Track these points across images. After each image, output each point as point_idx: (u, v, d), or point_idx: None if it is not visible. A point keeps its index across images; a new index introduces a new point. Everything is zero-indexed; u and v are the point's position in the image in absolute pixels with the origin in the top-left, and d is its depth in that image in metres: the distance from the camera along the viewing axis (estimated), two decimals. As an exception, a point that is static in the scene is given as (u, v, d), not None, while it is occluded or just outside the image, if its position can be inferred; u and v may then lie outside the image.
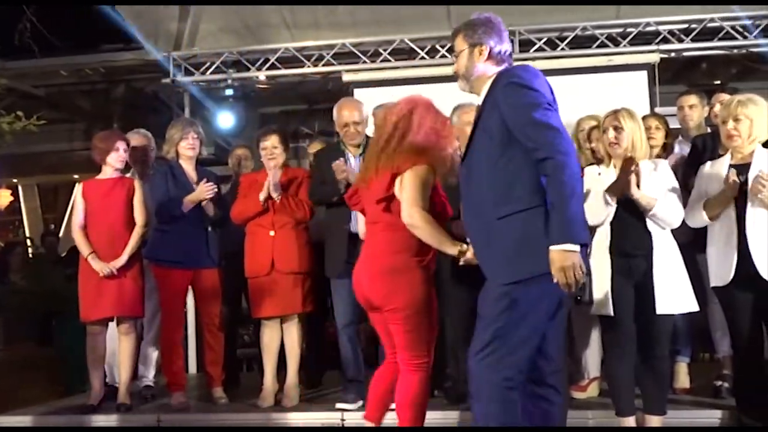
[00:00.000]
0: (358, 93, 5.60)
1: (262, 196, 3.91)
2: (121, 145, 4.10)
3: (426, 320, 2.88)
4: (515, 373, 2.36)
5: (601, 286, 3.21)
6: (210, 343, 4.23)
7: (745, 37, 5.51)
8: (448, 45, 5.70)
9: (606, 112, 3.32)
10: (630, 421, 3.27)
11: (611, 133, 3.23)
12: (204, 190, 4.05)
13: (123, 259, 3.98)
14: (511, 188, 2.37)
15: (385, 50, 5.85)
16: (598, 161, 3.51)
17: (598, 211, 3.22)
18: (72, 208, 4.34)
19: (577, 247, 2.26)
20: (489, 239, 2.43)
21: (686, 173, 3.67)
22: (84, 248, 4.02)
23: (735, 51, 5.69)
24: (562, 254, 2.25)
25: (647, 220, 3.20)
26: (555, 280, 2.27)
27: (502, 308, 2.35)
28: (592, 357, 3.93)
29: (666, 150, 3.94)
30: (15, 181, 11.08)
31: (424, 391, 2.92)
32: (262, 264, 3.93)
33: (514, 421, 2.37)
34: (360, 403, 3.78)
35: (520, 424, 2.39)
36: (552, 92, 2.47)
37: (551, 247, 2.27)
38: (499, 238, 2.38)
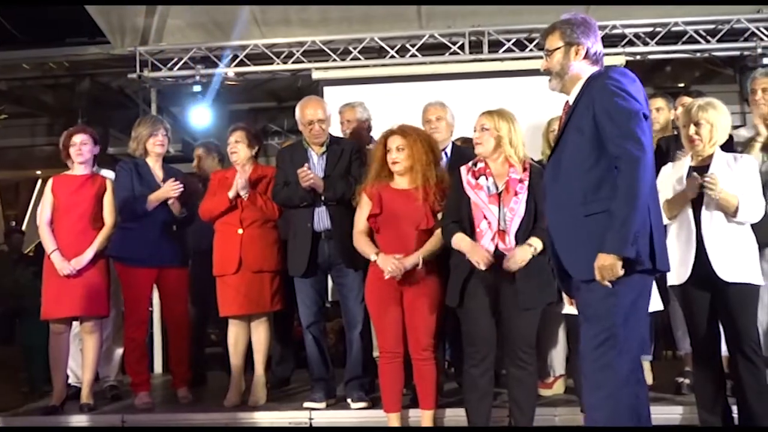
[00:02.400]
0: (328, 91, 5.58)
1: (231, 193, 3.88)
2: (77, 139, 4.03)
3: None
4: (635, 365, 2.44)
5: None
6: (175, 342, 4.19)
7: (707, 42, 5.63)
8: (420, 43, 5.75)
9: None
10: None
11: None
12: (169, 189, 4.00)
13: (86, 257, 3.91)
14: (600, 187, 2.42)
15: (355, 48, 5.85)
16: None
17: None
18: (35, 203, 4.25)
19: (620, 260, 2.34)
20: (575, 236, 2.48)
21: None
22: (49, 245, 3.95)
23: (698, 54, 5.82)
24: (608, 258, 2.34)
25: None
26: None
27: (610, 306, 2.40)
28: (558, 355, 3.99)
29: None
30: (-25, 176, 10.83)
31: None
32: (230, 262, 3.90)
33: (643, 412, 2.45)
34: (326, 402, 3.78)
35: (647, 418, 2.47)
36: (645, 98, 2.51)
37: (600, 253, 2.35)
38: (585, 235, 2.43)
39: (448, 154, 3.96)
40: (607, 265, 2.34)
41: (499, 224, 3.16)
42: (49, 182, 4.09)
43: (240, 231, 3.90)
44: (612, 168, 2.38)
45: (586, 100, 2.50)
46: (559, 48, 2.57)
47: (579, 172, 2.47)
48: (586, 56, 2.56)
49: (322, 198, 3.77)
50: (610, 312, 2.41)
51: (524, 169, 3.23)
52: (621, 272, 2.35)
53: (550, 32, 2.62)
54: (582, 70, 2.56)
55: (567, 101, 2.62)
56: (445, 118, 3.96)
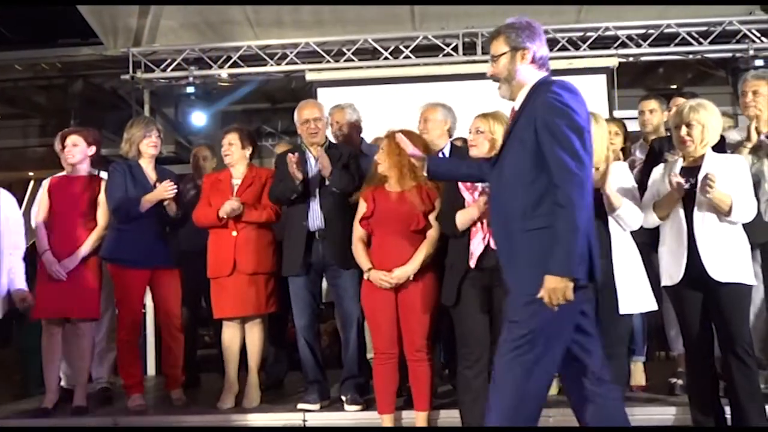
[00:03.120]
0: (322, 92, 5.59)
1: (221, 213, 3.87)
2: (69, 140, 4.03)
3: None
4: (543, 374, 2.43)
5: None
6: (169, 344, 4.17)
7: (699, 44, 5.66)
8: (413, 45, 5.76)
9: None
10: (588, 419, 3.32)
11: None
12: (164, 190, 3.99)
13: (77, 257, 3.90)
14: (540, 203, 2.39)
15: (348, 50, 5.85)
16: None
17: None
18: (28, 204, 4.23)
19: (571, 282, 2.32)
20: (515, 249, 2.46)
21: (644, 175, 3.75)
22: (42, 244, 3.93)
23: (690, 56, 5.85)
24: (558, 281, 2.31)
25: (608, 221, 3.25)
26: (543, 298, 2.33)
27: (530, 313, 2.39)
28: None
29: (624, 154, 4.02)
30: (-33, 178, 10.76)
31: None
32: (224, 264, 3.89)
33: (531, 420, 2.45)
34: (320, 404, 3.78)
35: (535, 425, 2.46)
36: (587, 111, 2.49)
37: (548, 276, 2.32)
38: (524, 250, 2.42)
39: (446, 155, 3.95)
40: (558, 288, 2.30)
41: (488, 225, 3.17)
42: (45, 183, 4.08)
43: (234, 233, 3.89)
44: (553, 184, 2.35)
45: (529, 111, 2.47)
46: (504, 53, 2.55)
47: (520, 185, 2.44)
48: (532, 61, 2.54)
49: (318, 193, 3.78)
50: (532, 317, 2.39)
51: None
52: (572, 296, 2.32)
53: (494, 37, 2.59)
54: (528, 74, 2.54)
55: (513, 107, 2.60)
56: (433, 119, 3.95)
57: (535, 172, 2.41)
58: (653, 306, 3.30)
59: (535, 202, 2.40)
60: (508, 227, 2.48)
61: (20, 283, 3.34)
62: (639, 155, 4.19)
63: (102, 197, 4.04)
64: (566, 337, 2.46)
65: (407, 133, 3.47)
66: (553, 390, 3.96)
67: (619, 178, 3.30)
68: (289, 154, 3.74)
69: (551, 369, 2.46)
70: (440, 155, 3.91)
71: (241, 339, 4.01)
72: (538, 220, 2.38)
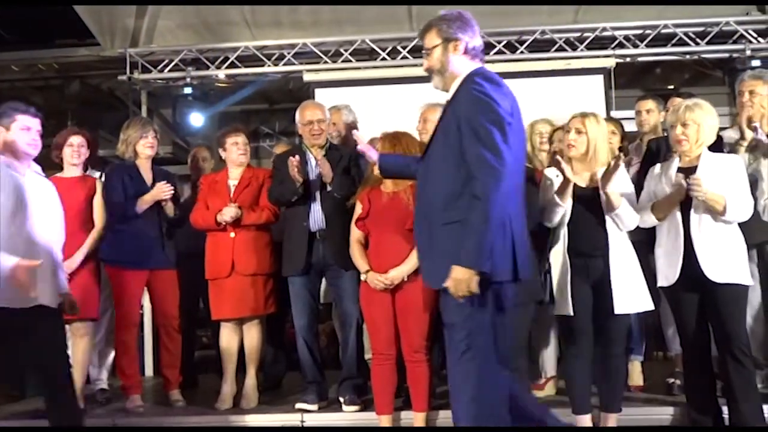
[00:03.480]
0: (319, 93, 5.58)
1: (220, 219, 3.87)
2: (74, 140, 4.03)
3: None
4: (498, 372, 2.42)
5: (560, 286, 3.26)
6: (167, 345, 4.17)
7: (696, 44, 5.67)
8: (411, 45, 5.76)
9: (574, 113, 3.36)
10: (586, 419, 3.33)
11: (572, 135, 3.29)
12: (161, 191, 3.98)
13: (76, 260, 3.89)
14: (460, 196, 2.38)
15: (346, 50, 5.85)
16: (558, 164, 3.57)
17: (553, 212, 3.27)
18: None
19: (477, 275, 2.30)
20: (432, 242, 2.46)
21: (641, 175, 3.76)
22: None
23: (687, 57, 5.86)
24: (463, 272, 2.30)
25: (605, 220, 3.26)
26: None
27: (466, 315, 2.39)
28: (550, 356, 3.99)
29: (622, 153, 4.02)
30: (-37, 178, 10.71)
31: None
32: (222, 265, 3.88)
33: (502, 420, 2.42)
34: (318, 404, 3.77)
35: (509, 424, 2.43)
36: (513, 99, 2.48)
37: (455, 266, 2.31)
38: (441, 243, 2.41)
39: None
40: (463, 279, 2.30)
41: None
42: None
43: (232, 234, 3.89)
44: (472, 176, 2.34)
45: (454, 104, 2.48)
46: (437, 45, 2.53)
47: (442, 178, 2.43)
48: (465, 51, 2.52)
49: (319, 194, 3.78)
50: (466, 321, 2.39)
51: None
52: (476, 288, 2.31)
53: (427, 30, 2.57)
54: (461, 65, 2.52)
55: (446, 99, 2.59)
56: (431, 119, 3.96)
57: (456, 165, 2.40)
58: (649, 306, 3.31)
59: (456, 194, 2.39)
60: (428, 219, 2.47)
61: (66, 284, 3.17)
62: (636, 155, 4.20)
63: (98, 198, 4.04)
64: (512, 333, 2.47)
65: (402, 135, 3.48)
66: (551, 390, 3.98)
67: (616, 178, 3.31)
68: (291, 158, 3.72)
69: (505, 366, 2.45)
70: None
71: (239, 340, 4.01)
72: (456, 212, 2.38)
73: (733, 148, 3.60)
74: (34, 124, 3.01)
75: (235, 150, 3.98)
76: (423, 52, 2.59)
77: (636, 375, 4.04)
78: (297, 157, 3.75)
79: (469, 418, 2.41)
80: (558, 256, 3.29)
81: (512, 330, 2.49)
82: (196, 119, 6.56)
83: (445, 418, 3.57)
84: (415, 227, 2.60)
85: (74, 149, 4.02)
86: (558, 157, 3.25)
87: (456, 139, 2.41)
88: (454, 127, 2.42)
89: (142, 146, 4.08)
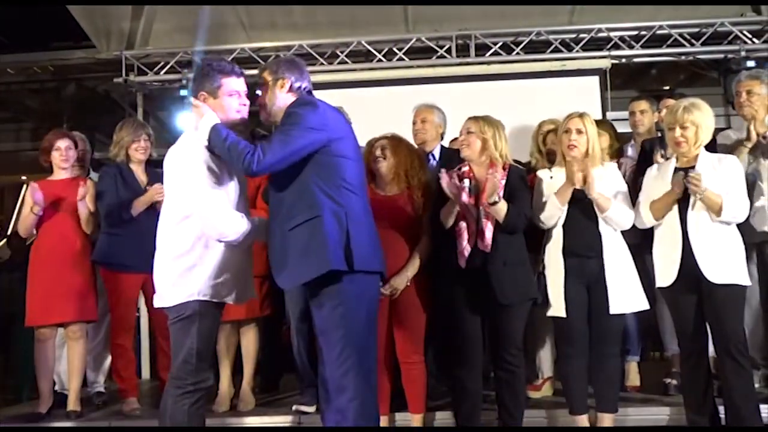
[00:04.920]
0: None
1: None
2: (62, 143, 4.02)
3: None
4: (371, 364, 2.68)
5: (555, 287, 3.27)
6: (163, 348, 4.15)
7: (692, 45, 5.68)
8: (406, 47, 5.77)
9: (569, 114, 3.36)
10: (583, 420, 3.33)
11: (573, 135, 3.29)
12: (155, 193, 3.97)
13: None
14: (296, 203, 2.63)
15: (342, 52, 5.85)
16: (551, 164, 3.58)
17: (549, 213, 3.28)
18: (20, 208, 4.20)
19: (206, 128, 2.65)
20: (282, 248, 2.66)
21: (636, 176, 3.76)
22: (27, 206, 3.95)
23: (682, 58, 5.87)
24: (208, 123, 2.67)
25: (599, 221, 3.27)
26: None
27: (336, 318, 2.60)
28: (547, 357, 4.00)
29: (615, 155, 4.03)
30: (-41, 182, 10.70)
31: None
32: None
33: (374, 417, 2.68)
34: (316, 406, 3.76)
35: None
36: (330, 119, 2.71)
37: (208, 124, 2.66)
38: (289, 246, 2.63)
39: (436, 157, 3.96)
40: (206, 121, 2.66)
41: (477, 223, 3.19)
42: (29, 187, 4.02)
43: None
44: (304, 186, 2.62)
45: None
46: (267, 82, 2.78)
47: (282, 192, 2.67)
48: (290, 89, 2.77)
49: None
50: (337, 325, 2.60)
51: (503, 170, 3.25)
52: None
53: (262, 71, 2.83)
54: (286, 101, 2.75)
55: None
56: (430, 120, 3.97)
57: (290, 177, 2.65)
58: (644, 305, 3.32)
59: (293, 203, 2.64)
60: (277, 230, 2.67)
61: None
62: (631, 156, 4.20)
63: (90, 197, 4.02)
64: (367, 319, 2.68)
65: (397, 139, 3.47)
66: (548, 390, 3.98)
67: (609, 178, 3.32)
68: None
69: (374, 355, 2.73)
70: (431, 157, 3.93)
71: (236, 342, 4.00)
72: (297, 218, 2.61)
73: (733, 148, 3.60)
74: (241, 85, 2.82)
75: None
76: (258, 86, 2.81)
77: (632, 375, 4.04)
78: None
79: (352, 418, 2.59)
80: (552, 257, 3.29)
81: (369, 319, 2.70)
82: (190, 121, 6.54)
83: (441, 419, 3.57)
84: (269, 238, 2.76)
85: (62, 152, 4.01)
86: (570, 160, 3.25)
87: None
88: None
89: (134, 150, 4.07)
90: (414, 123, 3.99)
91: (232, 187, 2.74)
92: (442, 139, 4.04)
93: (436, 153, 3.98)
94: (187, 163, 2.70)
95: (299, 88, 2.78)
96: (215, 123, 2.67)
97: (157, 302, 2.80)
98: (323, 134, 2.64)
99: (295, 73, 2.78)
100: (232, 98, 2.76)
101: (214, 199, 2.65)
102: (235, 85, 2.77)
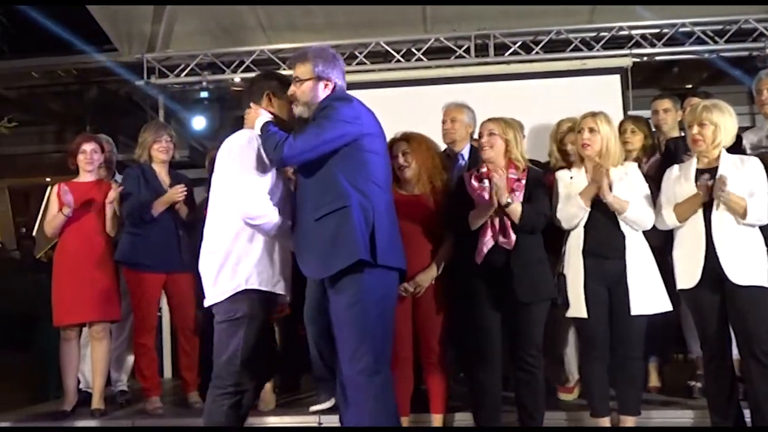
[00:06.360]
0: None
1: None
2: (88, 147, 4.07)
3: None
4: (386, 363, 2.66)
5: (575, 288, 3.24)
6: (185, 347, 4.20)
7: (715, 42, 5.61)
8: (425, 47, 5.76)
9: (583, 114, 3.35)
10: (605, 422, 3.30)
11: (585, 135, 3.27)
12: (175, 193, 4.01)
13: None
14: (325, 194, 2.63)
15: (360, 53, 5.86)
16: (569, 164, 3.56)
17: (572, 214, 3.26)
18: (45, 210, 4.27)
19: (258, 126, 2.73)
20: (307, 239, 2.67)
21: (660, 175, 3.72)
22: (54, 207, 3.99)
23: (705, 56, 5.79)
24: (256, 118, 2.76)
25: (620, 222, 3.24)
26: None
27: (344, 306, 2.59)
28: (575, 359, 3.94)
29: (648, 152, 3.99)
30: (-15, 184, 10.88)
31: None
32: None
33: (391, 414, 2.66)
34: (330, 401, 3.75)
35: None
36: (369, 118, 2.74)
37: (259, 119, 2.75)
38: (315, 237, 2.63)
39: (465, 157, 3.92)
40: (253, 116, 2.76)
41: (499, 221, 3.18)
42: (55, 188, 4.08)
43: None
44: (333, 177, 2.62)
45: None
46: (310, 79, 2.75)
47: (310, 183, 2.69)
48: (333, 90, 2.78)
49: None
50: (354, 320, 2.59)
51: (522, 171, 3.26)
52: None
53: (300, 61, 2.79)
54: (323, 96, 2.76)
55: None
56: (459, 120, 3.94)
57: (319, 168, 2.65)
58: (667, 307, 3.28)
59: (321, 194, 2.64)
60: (302, 221, 2.68)
61: None
62: (645, 156, 4.14)
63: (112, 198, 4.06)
64: (390, 324, 2.69)
65: (417, 141, 3.46)
66: (577, 393, 3.92)
67: (629, 179, 3.29)
68: None
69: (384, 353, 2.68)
70: (460, 157, 3.92)
71: (256, 342, 4.01)
72: (324, 208, 2.61)
73: (760, 149, 3.55)
74: None
75: None
76: (293, 77, 2.80)
77: (653, 376, 4.00)
78: None
79: (370, 417, 2.58)
80: (572, 257, 3.27)
81: (388, 317, 2.69)
82: (212, 123, 6.59)
83: (461, 420, 3.56)
84: (295, 230, 2.75)
85: (87, 155, 4.07)
86: (597, 160, 3.23)
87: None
88: None
89: (156, 150, 4.12)
90: (443, 122, 3.98)
91: (270, 180, 2.77)
92: (472, 138, 4.01)
93: (466, 153, 3.94)
94: (229, 153, 2.78)
95: (340, 88, 2.81)
96: (266, 119, 2.74)
97: (207, 302, 2.83)
98: (356, 128, 2.65)
99: (336, 71, 2.79)
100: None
101: (246, 181, 2.70)
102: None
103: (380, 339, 2.63)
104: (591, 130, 3.27)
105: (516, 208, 3.15)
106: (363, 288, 2.59)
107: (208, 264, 2.78)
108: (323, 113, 2.66)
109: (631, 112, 5.31)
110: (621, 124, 3.96)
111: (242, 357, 2.70)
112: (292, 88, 2.78)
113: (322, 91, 2.75)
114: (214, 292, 2.76)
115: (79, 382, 4.22)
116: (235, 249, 2.71)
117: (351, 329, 2.60)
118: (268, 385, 3.98)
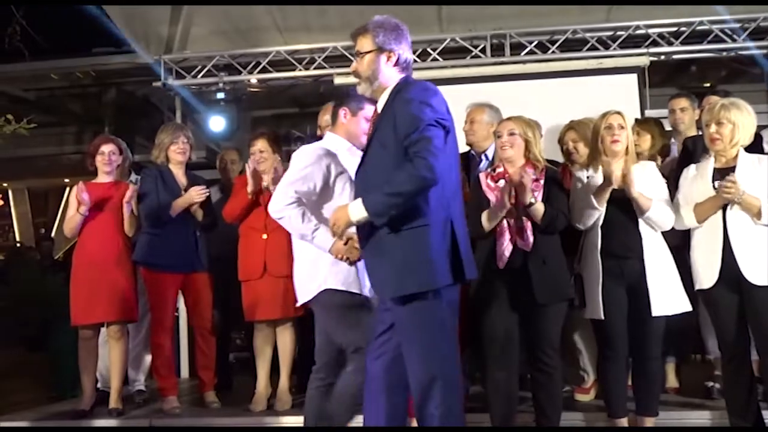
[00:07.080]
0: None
1: (249, 188, 3.90)
2: (106, 148, 4.11)
3: None
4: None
5: (592, 288, 3.23)
6: (201, 347, 4.23)
7: (733, 40, 5.55)
8: (441, 47, 5.75)
9: (605, 112, 3.32)
10: (623, 423, 3.29)
11: (617, 131, 3.24)
12: (194, 195, 4.04)
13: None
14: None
15: (376, 53, 5.86)
16: (572, 163, 3.55)
17: (586, 214, 3.24)
18: (63, 210, 4.32)
19: (361, 215, 2.38)
20: (379, 251, 2.45)
21: (678, 174, 3.69)
22: (73, 207, 4.03)
23: (724, 54, 5.73)
24: (345, 212, 2.43)
25: (639, 222, 3.21)
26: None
27: (410, 315, 2.42)
28: (592, 359, 3.93)
29: (664, 152, 3.96)
30: (5, 185, 11.03)
31: None
32: (254, 267, 3.92)
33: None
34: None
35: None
36: (448, 110, 2.49)
37: (351, 203, 2.45)
38: (389, 251, 2.41)
39: (490, 157, 3.89)
40: (341, 217, 2.44)
41: (516, 222, 3.17)
42: (76, 187, 4.10)
43: (264, 236, 3.92)
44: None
45: (389, 113, 2.47)
46: (370, 52, 2.54)
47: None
48: (397, 63, 2.53)
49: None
50: (422, 330, 2.42)
51: (540, 171, 3.24)
52: (341, 229, 2.47)
53: (361, 34, 2.57)
54: (391, 77, 2.54)
55: (375, 109, 2.64)
56: (479, 121, 3.91)
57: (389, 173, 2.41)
58: (687, 307, 3.25)
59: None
60: (373, 230, 2.46)
61: None
62: (674, 154, 4.13)
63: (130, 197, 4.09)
64: (451, 331, 2.50)
65: None
66: (594, 393, 3.90)
67: (648, 178, 3.27)
68: None
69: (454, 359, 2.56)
70: (483, 157, 3.90)
71: (273, 342, 4.04)
72: (401, 221, 2.37)
73: None
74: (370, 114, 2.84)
75: (252, 159, 3.99)
76: (355, 53, 2.60)
77: (671, 377, 3.98)
78: None
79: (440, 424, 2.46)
80: (590, 258, 3.26)
81: (452, 332, 2.53)
82: (229, 124, 6.62)
83: (477, 421, 3.55)
84: (360, 236, 2.57)
85: (105, 157, 4.11)
86: (605, 158, 3.21)
87: (395, 148, 2.41)
88: (390, 137, 2.43)
89: (173, 151, 4.15)
90: (465, 123, 3.96)
91: (326, 193, 2.88)
92: (490, 137, 3.98)
93: (490, 153, 3.90)
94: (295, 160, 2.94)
95: (405, 61, 2.55)
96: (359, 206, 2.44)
97: (299, 300, 3.08)
98: (446, 124, 2.43)
99: (402, 44, 2.54)
100: (365, 123, 2.88)
101: (286, 181, 2.82)
102: (371, 112, 2.79)
103: (447, 348, 2.47)
104: (621, 126, 3.25)
105: (539, 208, 3.13)
106: (430, 300, 2.40)
107: (297, 265, 3.05)
108: (420, 114, 2.35)
109: (648, 112, 5.28)
110: None
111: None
112: (354, 65, 2.58)
113: (385, 65, 2.51)
114: (303, 292, 3.04)
115: (96, 381, 4.26)
116: (311, 250, 2.90)
117: (419, 339, 2.43)
118: (285, 385, 4.00)
